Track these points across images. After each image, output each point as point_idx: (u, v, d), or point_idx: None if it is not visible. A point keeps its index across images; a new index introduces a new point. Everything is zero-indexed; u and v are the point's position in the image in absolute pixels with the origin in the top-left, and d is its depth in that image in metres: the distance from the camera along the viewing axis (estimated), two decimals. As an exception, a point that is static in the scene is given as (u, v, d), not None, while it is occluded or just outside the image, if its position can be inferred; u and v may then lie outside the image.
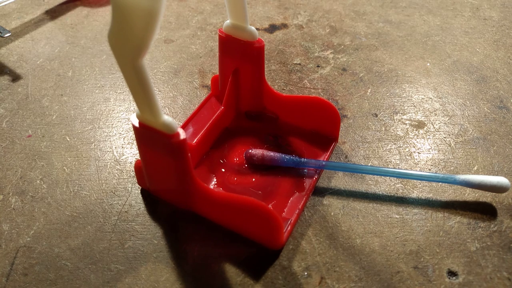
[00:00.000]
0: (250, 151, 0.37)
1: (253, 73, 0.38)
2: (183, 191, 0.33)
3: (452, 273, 0.30)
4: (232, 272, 0.31)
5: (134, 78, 0.25)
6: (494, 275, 0.30)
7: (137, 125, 0.29)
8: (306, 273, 0.31)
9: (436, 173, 0.37)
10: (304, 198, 0.35)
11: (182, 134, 0.28)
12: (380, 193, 0.36)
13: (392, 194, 0.35)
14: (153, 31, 0.22)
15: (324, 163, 0.36)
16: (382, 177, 0.37)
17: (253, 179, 0.36)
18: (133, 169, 0.38)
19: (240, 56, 0.37)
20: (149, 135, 0.29)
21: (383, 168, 0.36)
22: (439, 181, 0.35)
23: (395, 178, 0.36)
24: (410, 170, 0.37)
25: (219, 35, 0.37)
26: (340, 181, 0.37)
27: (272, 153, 0.36)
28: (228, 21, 0.35)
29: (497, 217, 0.34)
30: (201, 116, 0.40)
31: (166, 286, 0.30)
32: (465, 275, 0.30)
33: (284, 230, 0.32)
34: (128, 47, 0.23)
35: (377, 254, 0.32)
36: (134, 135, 0.39)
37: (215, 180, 0.36)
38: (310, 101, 0.38)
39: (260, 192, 0.35)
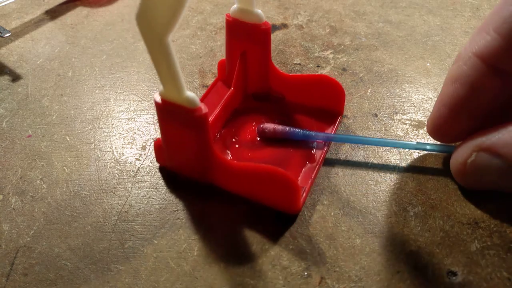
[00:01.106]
0: (262, 125, 0.39)
1: (260, 55, 0.40)
2: (202, 163, 0.34)
3: (452, 273, 0.30)
4: (232, 272, 0.31)
5: (161, 55, 0.26)
6: (494, 275, 0.30)
7: (160, 102, 0.31)
8: (306, 273, 0.31)
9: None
10: (316, 168, 0.36)
11: (204, 108, 0.30)
12: (380, 193, 0.36)
13: (392, 194, 0.35)
14: (182, 6, 0.23)
15: (332, 135, 0.38)
16: (382, 177, 0.37)
17: (266, 154, 0.38)
18: (133, 169, 0.38)
19: (247, 39, 0.39)
20: (172, 111, 0.31)
21: (392, 140, 0.38)
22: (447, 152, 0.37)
23: (395, 178, 0.37)
24: (417, 141, 0.39)
25: (226, 19, 0.38)
26: (340, 180, 0.37)
27: (283, 127, 0.39)
28: (235, 5, 0.36)
29: (497, 217, 0.34)
30: (211, 99, 0.42)
31: (166, 286, 0.30)
32: (465, 275, 0.30)
33: (301, 196, 0.34)
34: (157, 24, 0.25)
35: (377, 254, 0.32)
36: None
37: (230, 155, 0.38)
38: (315, 79, 0.40)
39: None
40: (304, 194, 0.35)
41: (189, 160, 0.35)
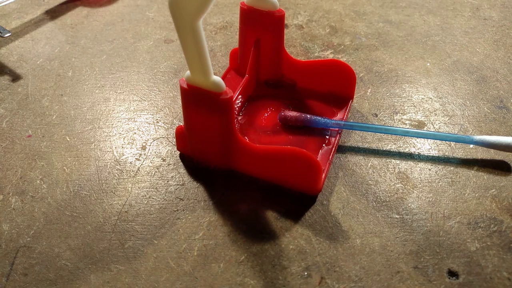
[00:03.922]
0: (282, 113, 0.40)
1: (274, 42, 0.41)
2: (225, 148, 0.35)
3: (452, 273, 0.30)
4: (232, 272, 0.31)
5: (191, 39, 0.27)
6: (494, 275, 0.30)
7: (186, 87, 0.31)
8: (306, 273, 0.31)
9: (455, 134, 0.40)
10: (333, 150, 0.38)
11: (230, 92, 0.31)
12: (380, 192, 0.36)
13: (392, 194, 0.35)
14: None
15: (351, 123, 0.39)
16: (382, 176, 0.37)
17: (283, 139, 0.39)
18: (133, 169, 0.38)
19: (261, 26, 0.40)
20: (197, 96, 0.31)
21: (403, 129, 0.39)
22: (457, 141, 0.38)
23: (395, 178, 0.36)
24: (431, 131, 0.40)
25: (241, 7, 0.39)
26: (340, 180, 0.37)
27: (305, 115, 0.40)
28: None
29: (497, 217, 0.34)
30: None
31: (166, 286, 0.30)
32: (465, 275, 0.30)
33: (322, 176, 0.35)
34: (188, 8, 0.26)
35: (377, 254, 0.32)
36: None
37: (248, 141, 0.38)
38: (327, 64, 0.42)
39: None
40: (324, 175, 0.36)
41: (212, 145, 0.36)
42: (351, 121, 0.41)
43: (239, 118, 0.41)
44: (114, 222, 0.34)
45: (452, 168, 0.38)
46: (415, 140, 0.40)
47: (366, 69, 0.48)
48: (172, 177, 0.37)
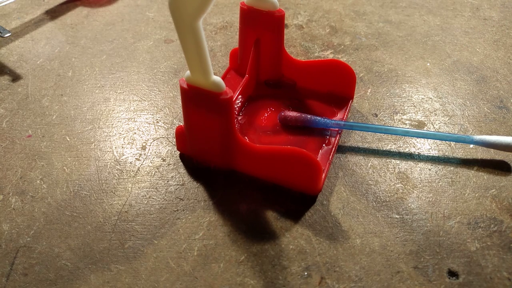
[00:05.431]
0: (283, 113, 0.40)
1: (274, 42, 0.41)
2: (225, 148, 0.35)
3: (452, 273, 0.30)
4: (232, 272, 0.31)
5: (191, 39, 0.28)
6: (494, 275, 0.30)
7: (186, 87, 0.31)
8: (306, 273, 0.31)
9: (455, 134, 0.40)
10: (333, 150, 0.38)
11: (230, 92, 0.31)
12: (380, 192, 0.36)
13: (392, 194, 0.35)
14: None
15: (351, 123, 0.39)
16: (382, 176, 0.37)
17: (283, 139, 0.39)
18: (133, 169, 0.38)
19: (261, 26, 0.40)
20: (197, 96, 0.31)
21: (403, 129, 0.39)
22: (457, 141, 0.38)
23: (395, 178, 0.36)
24: (431, 131, 0.40)
25: (241, 7, 0.39)
26: (340, 180, 0.37)
27: (305, 115, 0.40)
28: None
29: (497, 217, 0.34)
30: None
31: (166, 286, 0.30)
32: (465, 275, 0.30)
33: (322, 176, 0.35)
34: (189, 8, 0.26)
35: (377, 254, 0.32)
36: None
37: (248, 141, 0.38)
38: (327, 64, 0.42)
39: None
40: (324, 175, 0.36)
41: (212, 145, 0.36)
42: (351, 121, 0.41)
43: (239, 118, 0.41)
44: (114, 222, 0.34)
45: (452, 168, 0.38)
46: (415, 140, 0.40)
47: (366, 69, 0.48)
48: (172, 177, 0.37)
